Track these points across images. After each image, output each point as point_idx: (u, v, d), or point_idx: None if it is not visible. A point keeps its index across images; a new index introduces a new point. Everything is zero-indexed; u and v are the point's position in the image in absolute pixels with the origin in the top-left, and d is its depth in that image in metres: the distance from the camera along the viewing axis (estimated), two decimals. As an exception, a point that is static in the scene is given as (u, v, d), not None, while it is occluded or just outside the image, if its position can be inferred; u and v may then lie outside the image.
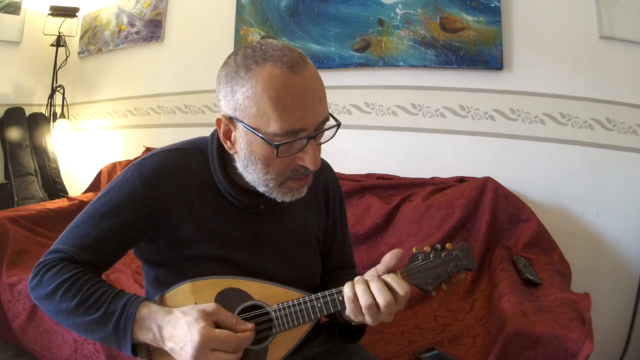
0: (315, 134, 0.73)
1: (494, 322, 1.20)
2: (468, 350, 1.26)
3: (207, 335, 0.68)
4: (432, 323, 1.42)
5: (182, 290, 0.77)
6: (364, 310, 0.74)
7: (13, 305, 1.60)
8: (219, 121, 0.76)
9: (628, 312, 1.63)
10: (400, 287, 0.73)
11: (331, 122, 0.76)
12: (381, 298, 0.72)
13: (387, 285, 0.74)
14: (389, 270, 0.77)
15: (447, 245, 0.82)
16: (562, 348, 0.99)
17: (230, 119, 0.74)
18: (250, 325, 0.75)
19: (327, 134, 0.77)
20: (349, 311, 0.76)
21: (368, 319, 0.75)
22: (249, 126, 0.71)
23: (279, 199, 0.78)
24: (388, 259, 0.77)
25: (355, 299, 0.75)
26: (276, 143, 0.70)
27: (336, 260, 1.00)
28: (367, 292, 0.74)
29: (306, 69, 0.70)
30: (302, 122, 0.70)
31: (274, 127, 0.69)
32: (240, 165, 0.77)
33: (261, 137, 0.71)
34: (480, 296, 1.48)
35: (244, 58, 0.71)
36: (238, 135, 0.75)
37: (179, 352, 0.70)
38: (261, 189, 0.78)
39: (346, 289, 0.76)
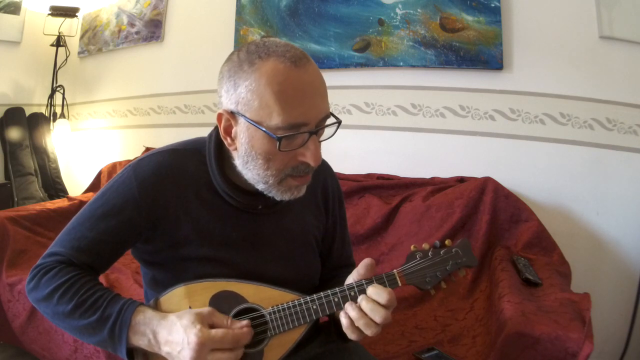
0: (317, 129, 0.73)
1: (494, 322, 1.20)
2: (468, 350, 1.26)
3: (204, 337, 0.68)
4: (432, 323, 1.42)
5: (177, 293, 0.77)
6: (363, 330, 0.74)
7: (13, 305, 1.60)
8: (220, 116, 0.76)
9: (628, 312, 1.63)
10: (382, 297, 0.72)
11: (332, 120, 0.76)
12: (377, 316, 0.72)
13: (371, 299, 0.73)
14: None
15: (447, 242, 0.80)
16: (562, 348, 0.99)
17: (232, 114, 0.74)
18: (245, 322, 0.74)
19: (327, 132, 0.78)
20: (351, 335, 0.76)
21: (369, 333, 0.74)
22: (251, 120, 0.71)
23: (278, 197, 0.78)
24: (362, 272, 0.77)
25: (353, 325, 0.74)
26: (278, 135, 0.70)
27: (336, 259, 1.00)
28: (362, 315, 0.73)
29: (309, 65, 0.71)
30: (304, 116, 0.70)
31: (276, 120, 0.69)
32: (239, 162, 0.77)
33: (263, 131, 0.70)
34: (480, 296, 1.48)
35: (247, 54, 0.72)
36: (239, 130, 0.74)
37: (176, 357, 0.70)
38: (260, 186, 0.77)
39: (342, 319, 0.75)
